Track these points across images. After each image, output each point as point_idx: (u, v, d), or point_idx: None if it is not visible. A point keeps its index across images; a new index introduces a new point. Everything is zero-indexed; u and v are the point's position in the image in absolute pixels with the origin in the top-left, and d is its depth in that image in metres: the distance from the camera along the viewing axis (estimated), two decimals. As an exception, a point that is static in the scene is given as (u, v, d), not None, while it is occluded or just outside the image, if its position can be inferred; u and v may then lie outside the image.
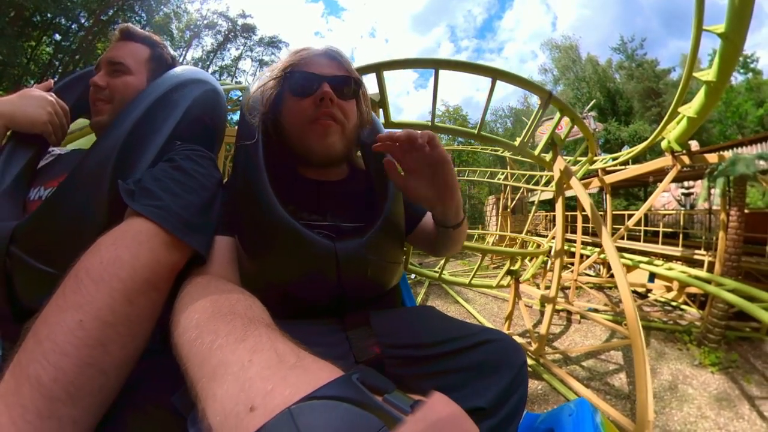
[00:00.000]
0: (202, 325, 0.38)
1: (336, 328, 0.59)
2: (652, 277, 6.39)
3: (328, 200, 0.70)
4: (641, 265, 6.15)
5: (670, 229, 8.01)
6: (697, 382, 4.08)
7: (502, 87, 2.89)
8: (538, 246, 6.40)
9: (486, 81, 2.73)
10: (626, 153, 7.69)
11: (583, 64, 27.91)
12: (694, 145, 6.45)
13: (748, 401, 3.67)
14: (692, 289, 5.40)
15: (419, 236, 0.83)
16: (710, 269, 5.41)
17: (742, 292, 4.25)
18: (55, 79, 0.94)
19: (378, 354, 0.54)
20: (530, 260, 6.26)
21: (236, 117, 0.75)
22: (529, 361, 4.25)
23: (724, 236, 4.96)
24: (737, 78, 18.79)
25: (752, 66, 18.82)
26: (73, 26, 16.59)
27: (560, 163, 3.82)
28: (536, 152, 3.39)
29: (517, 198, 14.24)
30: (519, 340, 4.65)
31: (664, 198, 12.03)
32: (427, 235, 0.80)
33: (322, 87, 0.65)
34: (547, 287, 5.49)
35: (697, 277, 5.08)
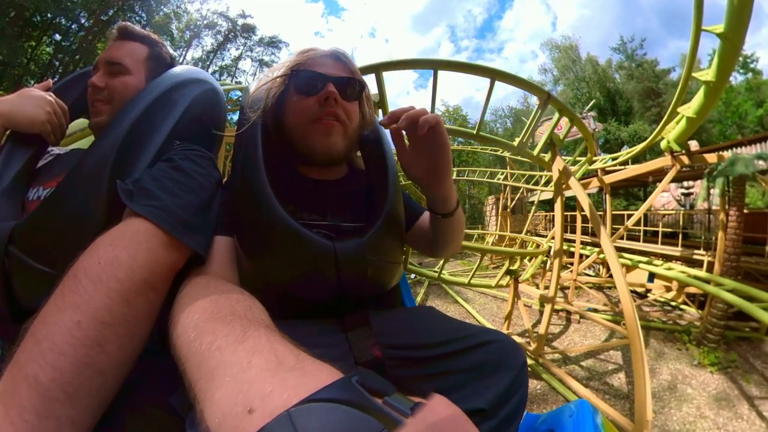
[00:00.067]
0: (201, 325, 0.37)
1: (335, 328, 0.58)
2: (652, 277, 6.40)
3: (327, 200, 0.70)
4: (641, 265, 6.16)
5: (669, 229, 8.02)
6: (696, 382, 4.08)
7: (502, 87, 2.89)
8: (538, 246, 6.40)
9: (485, 81, 2.74)
10: (626, 153, 7.70)
11: (583, 64, 27.92)
12: (694, 145, 6.46)
13: (747, 401, 3.67)
14: (691, 289, 5.41)
15: (417, 235, 0.82)
16: (709, 269, 5.42)
17: (741, 292, 4.26)
18: (55, 79, 0.94)
19: (378, 355, 0.54)
20: (529, 260, 6.27)
21: (236, 117, 0.75)
22: (528, 361, 4.25)
23: (724, 236, 4.97)
24: (737, 78, 18.83)
25: (752, 66, 18.84)
26: (73, 26, 16.58)
27: (559, 163, 3.82)
28: (535, 152, 3.40)
29: (516, 198, 14.25)
30: (518, 339, 4.66)
31: (664, 198, 12.05)
32: (424, 233, 0.79)
33: (327, 87, 0.65)
34: (546, 287, 5.49)
35: (696, 277, 5.09)
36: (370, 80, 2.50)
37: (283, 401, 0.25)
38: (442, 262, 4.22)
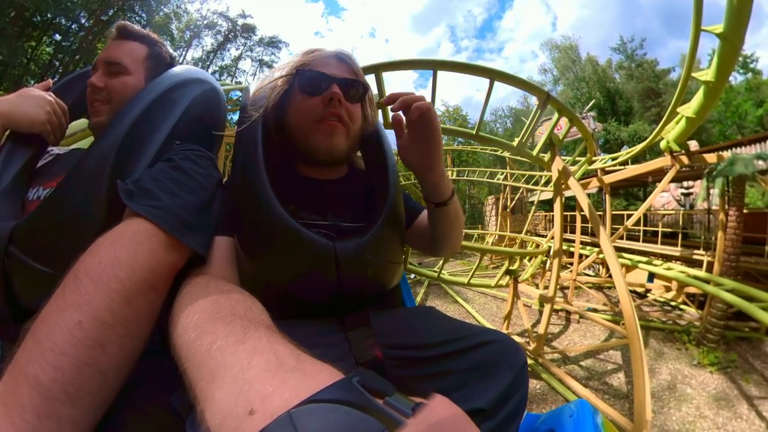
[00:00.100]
0: (202, 325, 0.37)
1: (335, 328, 0.58)
2: (651, 276, 6.39)
3: (328, 199, 0.70)
4: (640, 265, 6.16)
5: (669, 229, 8.02)
6: (696, 382, 4.08)
7: (502, 87, 2.89)
8: (537, 246, 6.40)
9: (486, 81, 2.73)
10: (625, 153, 7.69)
11: (583, 64, 27.92)
12: (694, 145, 6.46)
13: (746, 401, 3.67)
14: (691, 289, 5.40)
15: (416, 233, 0.82)
16: (709, 269, 5.41)
17: (740, 292, 4.26)
18: (55, 79, 0.94)
19: (378, 355, 0.54)
20: (529, 260, 6.26)
21: (236, 117, 0.75)
22: (528, 361, 4.25)
23: (723, 236, 4.96)
24: (737, 78, 18.82)
25: (752, 66, 18.83)
26: (73, 26, 16.56)
27: (558, 163, 3.82)
28: (534, 152, 3.39)
29: (516, 198, 14.24)
30: (517, 339, 4.65)
31: (664, 198, 12.06)
32: (423, 231, 0.79)
33: (332, 88, 0.66)
34: (546, 287, 5.50)
35: (696, 277, 5.09)
36: (370, 80, 2.49)
37: (284, 402, 0.25)
38: (441, 261, 4.22)
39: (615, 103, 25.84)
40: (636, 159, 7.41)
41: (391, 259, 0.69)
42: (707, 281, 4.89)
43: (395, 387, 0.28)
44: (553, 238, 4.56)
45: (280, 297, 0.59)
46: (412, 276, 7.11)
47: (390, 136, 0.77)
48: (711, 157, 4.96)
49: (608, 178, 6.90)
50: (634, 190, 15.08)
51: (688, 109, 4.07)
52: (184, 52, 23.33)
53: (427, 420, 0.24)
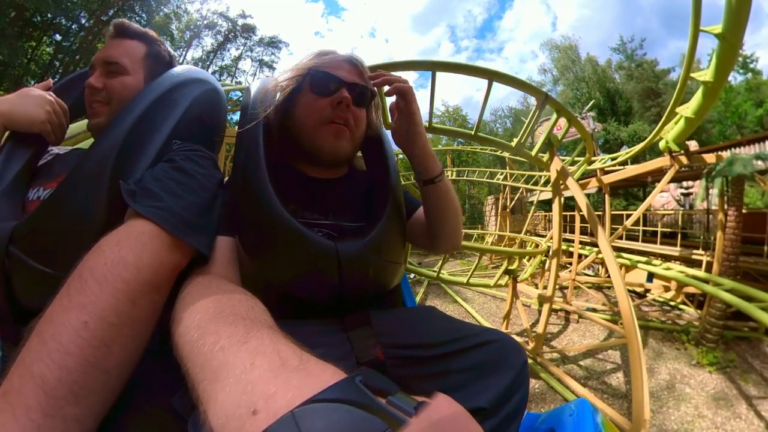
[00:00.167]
0: (204, 325, 0.37)
1: (337, 328, 0.59)
2: (651, 276, 6.40)
3: (329, 199, 0.71)
4: (639, 265, 6.16)
5: (668, 229, 8.03)
6: (695, 382, 4.09)
7: (502, 87, 2.89)
8: (537, 246, 6.40)
9: (485, 82, 2.73)
10: (625, 153, 7.70)
11: (583, 64, 27.93)
12: (693, 145, 6.47)
13: (745, 401, 3.68)
14: (690, 289, 5.41)
15: (414, 228, 0.82)
16: (708, 269, 5.42)
17: (739, 292, 4.27)
18: (56, 79, 0.93)
19: (379, 354, 0.54)
20: (528, 260, 6.27)
21: (236, 117, 0.75)
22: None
23: (722, 236, 4.97)
24: (736, 78, 18.85)
25: (751, 66, 18.86)
26: (73, 26, 16.55)
27: (557, 164, 3.82)
28: (533, 153, 3.39)
29: (516, 198, 14.25)
30: (516, 338, 4.65)
31: (664, 198, 12.07)
32: (420, 226, 0.79)
33: (342, 91, 0.67)
34: (545, 287, 5.50)
35: (695, 277, 5.09)
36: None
37: (287, 402, 0.25)
38: (441, 261, 4.22)
39: (615, 103, 25.86)
40: (635, 159, 7.42)
41: (393, 259, 0.69)
42: (706, 281, 4.89)
43: (398, 387, 0.28)
44: (552, 238, 4.56)
45: (282, 297, 0.59)
46: (412, 276, 7.11)
47: (389, 136, 0.78)
48: (710, 157, 4.96)
49: (608, 178, 6.91)
50: (634, 190, 15.09)
51: (687, 110, 4.07)
52: (184, 52, 23.32)
53: (429, 418, 0.24)
